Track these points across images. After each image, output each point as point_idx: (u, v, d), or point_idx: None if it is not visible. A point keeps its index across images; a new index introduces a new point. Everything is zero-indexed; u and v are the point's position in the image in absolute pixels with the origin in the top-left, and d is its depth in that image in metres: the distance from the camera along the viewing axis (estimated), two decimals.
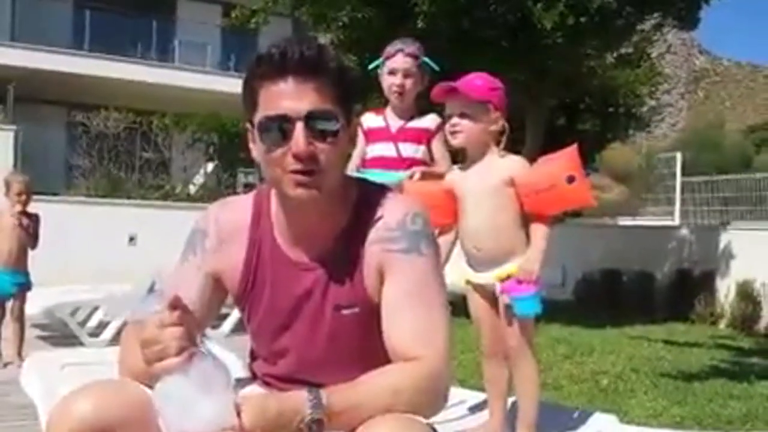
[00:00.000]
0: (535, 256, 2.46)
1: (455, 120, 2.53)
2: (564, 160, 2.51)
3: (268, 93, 1.30)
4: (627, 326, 8.23)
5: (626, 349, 6.62)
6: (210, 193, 13.78)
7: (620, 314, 9.07)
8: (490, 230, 2.53)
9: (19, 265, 5.21)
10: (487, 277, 2.57)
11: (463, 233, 2.61)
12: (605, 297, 10.35)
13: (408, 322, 1.34)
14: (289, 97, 1.28)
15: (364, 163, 2.93)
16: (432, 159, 2.90)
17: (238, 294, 1.48)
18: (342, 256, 1.40)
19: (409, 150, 2.87)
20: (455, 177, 2.66)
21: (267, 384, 1.51)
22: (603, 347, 6.63)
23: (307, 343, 1.44)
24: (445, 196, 2.63)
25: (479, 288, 2.63)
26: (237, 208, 1.49)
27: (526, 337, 2.54)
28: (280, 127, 1.29)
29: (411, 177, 2.77)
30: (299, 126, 1.28)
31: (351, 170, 2.87)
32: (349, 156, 3.01)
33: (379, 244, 1.38)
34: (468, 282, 2.66)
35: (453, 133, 2.55)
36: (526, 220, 2.52)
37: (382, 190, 1.47)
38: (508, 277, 2.51)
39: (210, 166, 14.63)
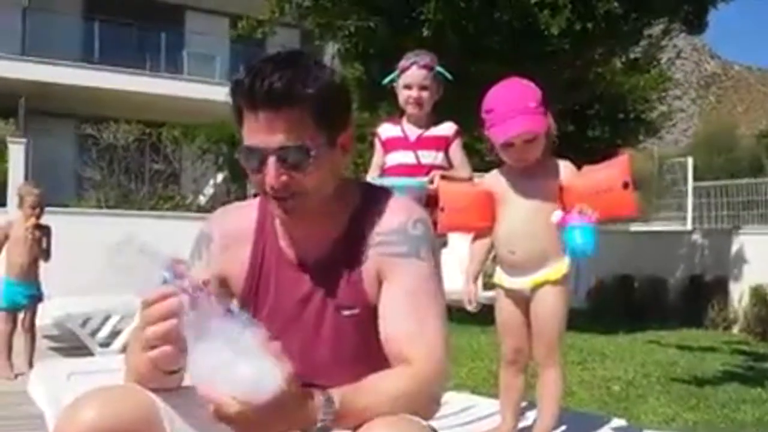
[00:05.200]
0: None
1: (521, 149, 2.45)
2: (619, 166, 2.47)
3: (246, 121, 1.31)
4: (639, 332, 8.18)
5: (638, 355, 6.58)
6: (220, 204, 13.83)
7: (633, 320, 9.03)
8: (527, 234, 2.48)
9: (31, 276, 5.24)
10: (523, 283, 2.52)
11: (499, 236, 2.57)
12: (617, 303, 10.30)
13: (404, 324, 1.34)
14: (261, 131, 1.29)
15: (384, 172, 2.94)
16: (451, 165, 2.91)
17: (242, 296, 1.49)
18: (343, 258, 1.41)
19: (428, 157, 2.88)
20: (496, 179, 2.60)
21: None
22: (615, 353, 6.59)
23: (310, 346, 1.44)
24: (483, 198, 2.59)
25: (511, 294, 2.58)
26: (242, 213, 1.52)
27: (557, 344, 2.51)
28: (255, 157, 1.31)
29: (431, 182, 2.76)
30: (271, 160, 1.29)
31: (371, 179, 2.87)
32: (365, 168, 3.03)
33: (379, 248, 1.39)
34: (500, 287, 2.61)
35: (521, 159, 2.48)
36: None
37: (385, 194, 1.47)
38: (545, 283, 2.47)
39: (220, 177, 14.68)
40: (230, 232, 1.49)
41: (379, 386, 1.26)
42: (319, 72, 1.33)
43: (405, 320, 1.34)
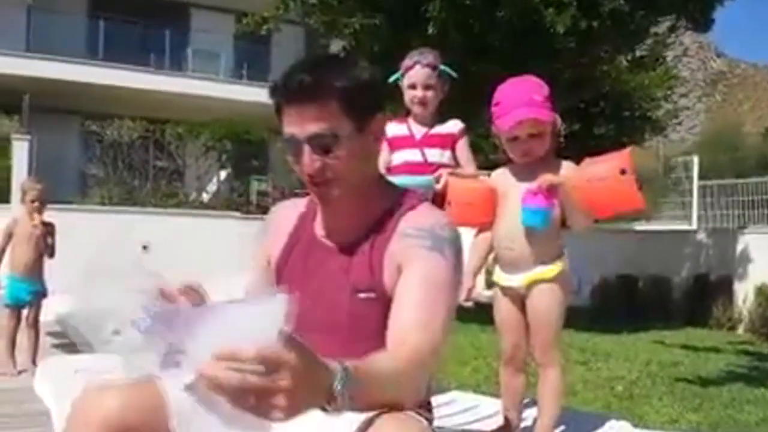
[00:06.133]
0: (558, 179, 2.43)
1: (525, 143, 2.49)
2: (618, 157, 2.46)
3: (283, 116, 1.46)
4: (643, 332, 8.17)
5: (642, 354, 6.57)
6: (223, 201, 13.86)
7: (636, 320, 9.01)
8: (525, 230, 2.49)
9: (35, 273, 5.24)
10: (518, 280, 2.53)
11: (498, 232, 2.58)
12: (621, 302, 10.29)
13: (412, 310, 1.37)
14: (294, 122, 1.43)
15: (390, 171, 2.93)
16: (458, 164, 2.91)
17: (275, 271, 1.61)
18: (369, 245, 1.50)
19: (435, 155, 2.88)
20: (501, 176, 2.63)
21: None
22: (619, 353, 6.58)
23: (326, 331, 1.45)
24: (488, 194, 2.61)
25: (508, 291, 2.59)
26: (292, 204, 1.70)
27: (554, 342, 2.51)
28: (293, 146, 1.45)
29: (437, 180, 2.77)
30: (306, 148, 1.42)
31: None
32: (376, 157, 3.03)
33: (404, 241, 1.46)
34: (497, 285, 2.62)
35: (525, 155, 2.51)
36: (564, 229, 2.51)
37: (419, 199, 1.56)
38: (539, 281, 2.48)
39: (223, 174, 14.72)
40: (279, 218, 1.68)
41: (382, 363, 1.25)
42: (347, 67, 1.49)
43: (414, 307, 1.38)
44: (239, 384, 0.91)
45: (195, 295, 1.32)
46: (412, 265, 1.42)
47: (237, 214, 12.75)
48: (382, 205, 1.52)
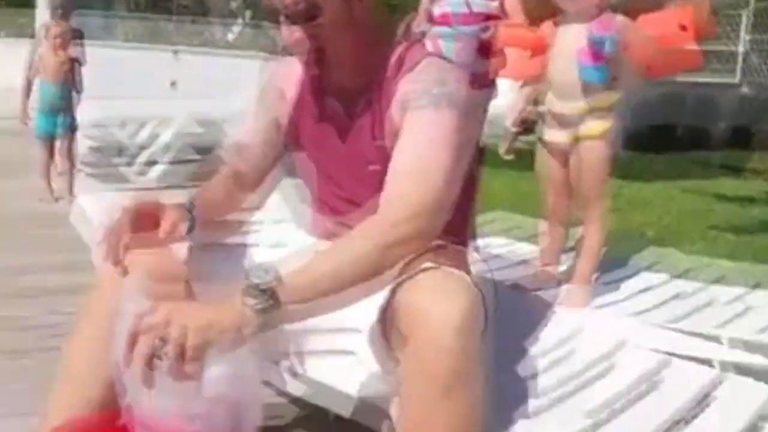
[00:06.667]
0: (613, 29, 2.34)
1: None
2: (678, 14, 2.37)
3: None
4: (678, 180, 8.10)
5: (676, 203, 6.58)
6: (248, 41, 13.64)
7: (672, 169, 8.93)
8: (577, 85, 2.41)
9: (63, 107, 5.21)
10: (563, 135, 2.50)
11: (550, 75, 2.51)
12: (657, 151, 10.20)
13: (407, 159, 1.32)
14: None
15: (434, 22, 2.77)
16: (504, 13, 2.76)
17: (287, 141, 1.58)
18: (369, 115, 1.43)
19: (480, 5, 2.77)
20: (552, 29, 2.52)
21: None
22: (652, 200, 6.58)
23: (340, 200, 1.48)
24: (538, 44, 2.53)
25: (553, 146, 2.57)
26: (293, 62, 1.56)
27: (596, 198, 2.51)
28: (273, 15, 1.37)
29: (484, 30, 2.70)
30: (283, 20, 1.35)
31: (418, 28, 2.74)
32: (401, 11, 2.86)
33: (405, 103, 1.37)
34: (542, 140, 2.61)
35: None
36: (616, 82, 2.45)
37: (420, 50, 1.45)
38: (586, 138, 2.44)
39: (248, 14, 14.44)
40: (281, 78, 1.58)
41: (341, 258, 1.22)
42: None
43: (409, 158, 1.32)
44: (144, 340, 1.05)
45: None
46: (408, 128, 1.35)
47: (262, 54, 12.56)
48: (382, 67, 1.42)
